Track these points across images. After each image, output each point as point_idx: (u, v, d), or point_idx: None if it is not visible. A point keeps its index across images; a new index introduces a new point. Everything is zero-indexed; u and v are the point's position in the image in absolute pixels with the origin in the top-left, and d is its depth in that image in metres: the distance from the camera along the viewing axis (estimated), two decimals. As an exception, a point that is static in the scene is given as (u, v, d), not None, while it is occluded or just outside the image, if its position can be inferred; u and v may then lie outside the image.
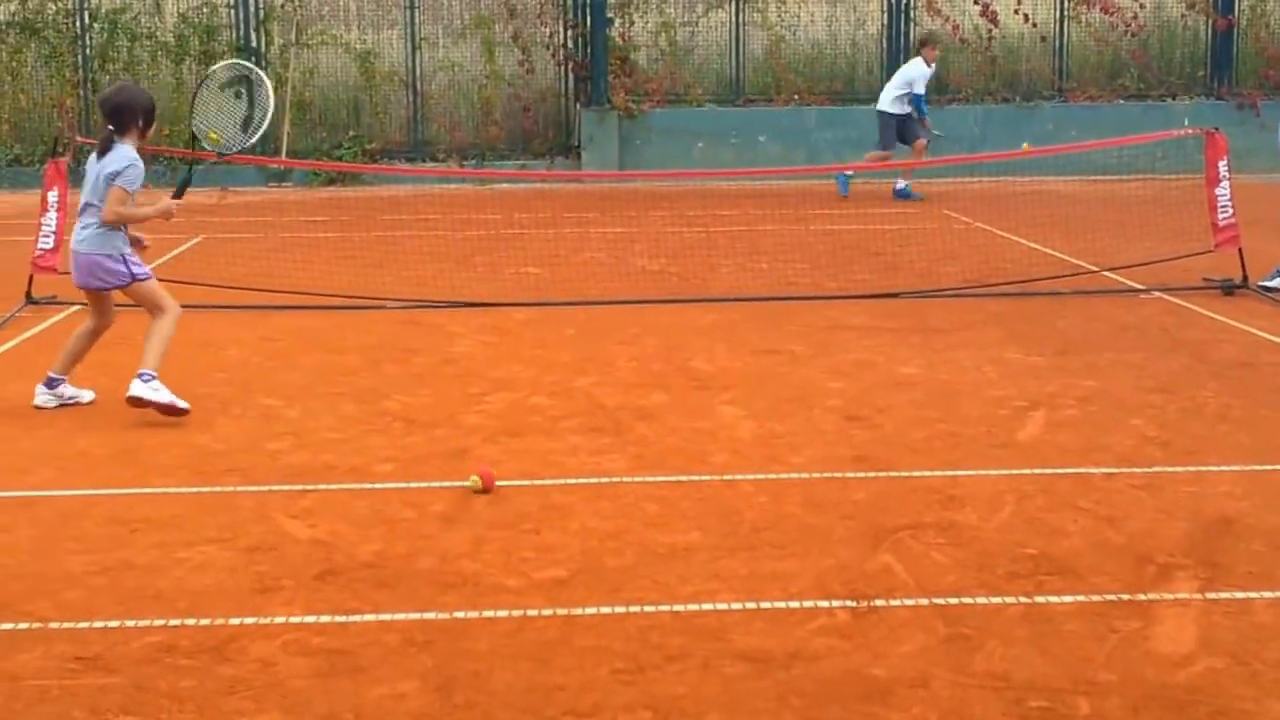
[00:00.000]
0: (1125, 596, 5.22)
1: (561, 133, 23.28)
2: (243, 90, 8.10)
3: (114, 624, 5.02)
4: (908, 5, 23.66)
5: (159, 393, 7.69)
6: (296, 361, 9.40)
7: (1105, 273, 12.49)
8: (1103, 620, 5.00)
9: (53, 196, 11.31)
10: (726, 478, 6.73)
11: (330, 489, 6.61)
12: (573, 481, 6.69)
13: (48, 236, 11.27)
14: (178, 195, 8.15)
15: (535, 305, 11.37)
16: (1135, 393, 8.34)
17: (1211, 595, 5.24)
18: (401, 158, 22.65)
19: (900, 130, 19.22)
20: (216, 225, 16.86)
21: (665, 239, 15.54)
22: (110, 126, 7.95)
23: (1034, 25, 23.70)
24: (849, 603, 5.17)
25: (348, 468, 6.94)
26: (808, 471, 6.82)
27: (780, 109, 23.03)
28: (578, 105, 22.98)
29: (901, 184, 19.15)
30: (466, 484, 6.50)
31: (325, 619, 5.06)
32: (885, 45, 23.84)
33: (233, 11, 22.63)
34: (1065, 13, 23.96)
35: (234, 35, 22.57)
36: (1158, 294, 11.57)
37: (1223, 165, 11.81)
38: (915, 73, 19.21)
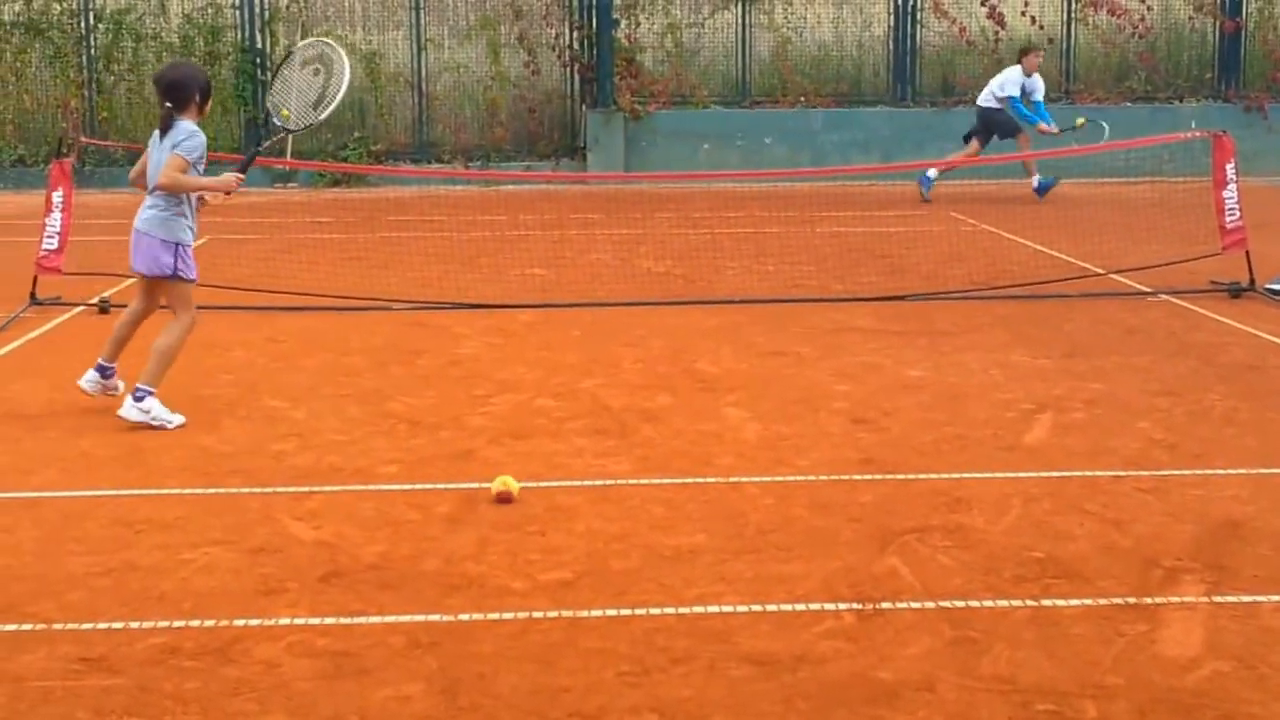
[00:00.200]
0: (1132, 600, 5.20)
1: (567, 134, 23.29)
2: (321, 68, 8.00)
3: (118, 625, 5.01)
4: (914, 7, 23.65)
5: (149, 414, 7.60)
6: (301, 363, 9.39)
7: (1112, 275, 12.47)
8: (1109, 624, 4.98)
9: (57, 197, 11.30)
10: (732, 480, 6.71)
11: (335, 491, 6.59)
12: (578, 484, 6.67)
13: (52, 237, 11.27)
14: (242, 170, 8.01)
15: (541, 307, 11.36)
16: (1142, 396, 8.32)
17: (1218, 599, 5.21)
18: (407, 159, 22.66)
19: (989, 124, 18.97)
20: (222, 226, 16.80)
21: (671, 241, 15.54)
22: (168, 104, 7.77)
23: (1041, 27, 23.66)
24: (855, 605, 5.15)
25: (353, 469, 6.93)
26: (814, 474, 6.80)
27: (786, 111, 23.03)
28: (583, 107, 22.98)
29: (1036, 180, 18.76)
30: (492, 485, 6.43)
31: (330, 621, 5.05)
32: (892, 47, 23.85)
33: (238, 12, 22.65)
34: (1072, 15, 23.94)
35: (239, 36, 22.60)
36: (1164, 297, 11.55)
37: (1230, 168, 11.80)
38: (1007, 76, 19.04)
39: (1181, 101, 23.44)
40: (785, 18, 23.91)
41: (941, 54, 23.88)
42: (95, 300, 11.26)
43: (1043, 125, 18.78)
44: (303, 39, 22.48)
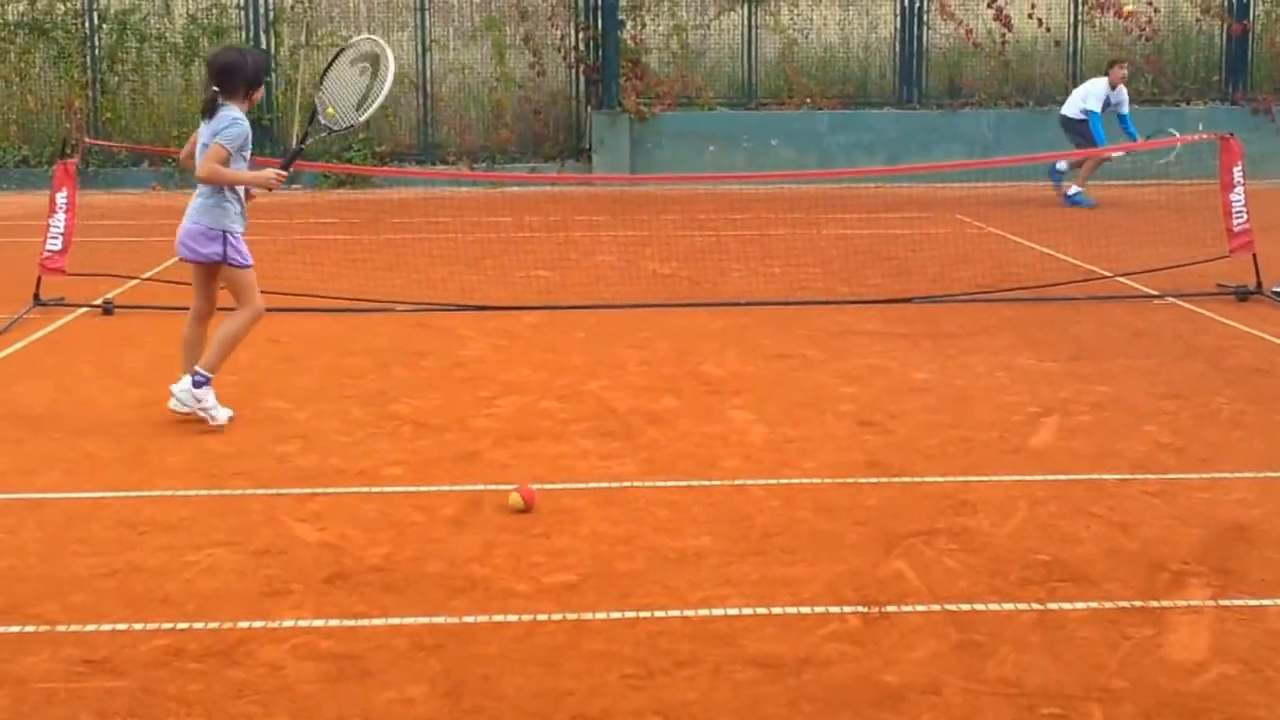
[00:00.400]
0: (1138, 603, 5.19)
1: (572, 136, 23.28)
2: (368, 67, 7.88)
3: (122, 627, 5.00)
4: (920, 9, 23.63)
5: (201, 402, 7.55)
6: (305, 364, 9.38)
7: (1118, 278, 12.45)
8: (1115, 627, 4.97)
9: (61, 198, 11.29)
10: (737, 483, 6.70)
11: (339, 492, 6.58)
12: (583, 486, 6.67)
13: (56, 238, 11.25)
14: (285, 167, 7.81)
15: (545, 309, 11.35)
16: (1149, 399, 8.30)
17: (1225, 602, 5.20)
18: (411, 160, 22.64)
19: (1069, 132, 18.79)
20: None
21: (676, 242, 15.52)
22: (215, 87, 7.61)
23: (1048, 29, 23.67)
24: (860, 608, 5.14)
25: (357, 471, 6.92)
26: (819, 477, 6.79)
27: (792, 112, 23.01)
28: (589, 108, 22.97)
29: (1073, 189, 18.68)
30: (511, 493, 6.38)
31: (334, 623, 5.04)
32: (898, 49, 23.83)
33: (242, 13, 22.64)
34: (1079, 17, 23.91)
35: (243, 37, 22.57)
36: (1171, 300, 11.53)
37: (1237, 170, 11.78)
38: (1091, 88, 18.85)
39: (1189, 104, 23.41)
40: (791, 19, 23.90)
41: (948, 56, 23.86)
42: (99, 301, 11.26)
43: (1125, 145, 18.27)
44: (307, 40, 22.51)
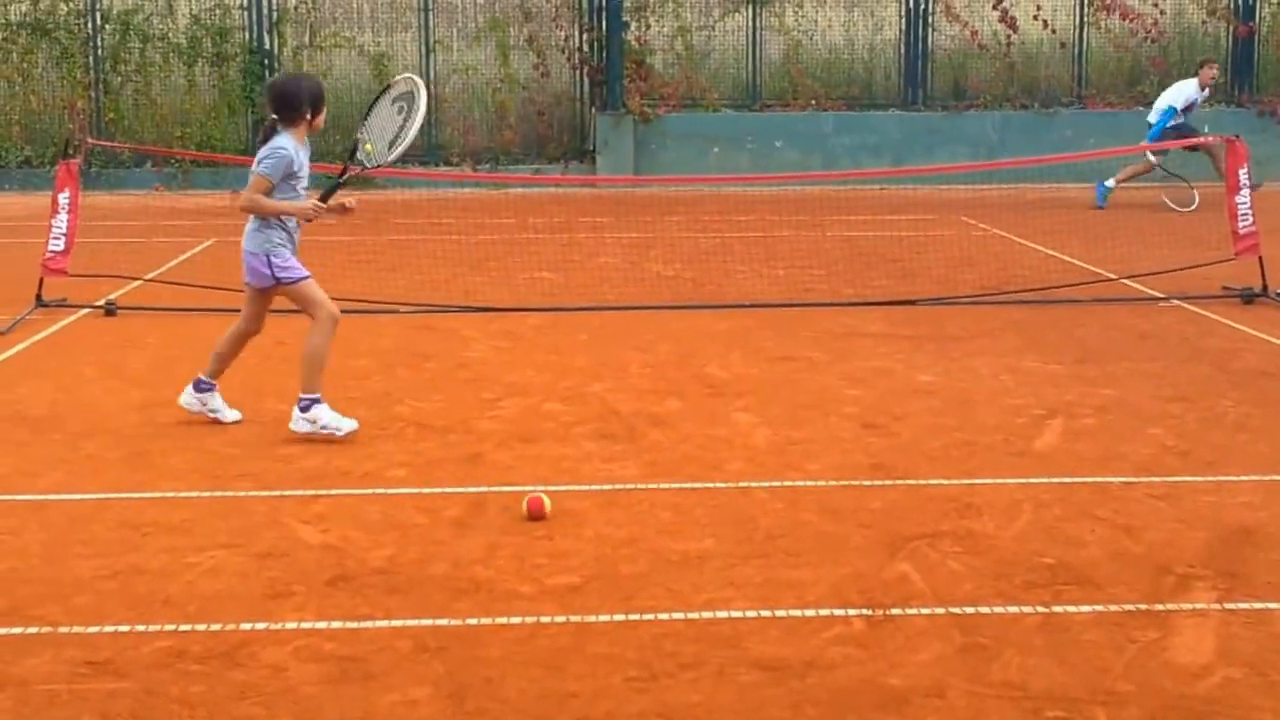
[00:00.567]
0: (1143, 606, 5.19)
1: (576, 137, 23.24)
2: (405, 106, 7.86)
3: (124, 629, 5.01)
4: (925, 10, 23.58)
5: (316, 423, 7.46)
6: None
7: (1124, 281, 12.44)
8: (1121, 630, 4.97)
9: (63, 198, 11.29)
10: (741, 485, 6.70)
11: (342, 494, 6.58)
12: (586, 488, 6.66)
13: (58, 238, 11.26)
14: (323, 199, 7.69)
15: (549, 310, 11.34)
16: (1154, 402, 8.29)
17: (1230, 606, 5.20)
18: (415, 161, 22.59)
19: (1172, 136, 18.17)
20: (228, 228, 16.74)
21: (680, 244, 15.51)
22: (274, 116, 7.57)
23: (1053, 31, 23.60)
24: (865, 611, 5.15)
25: (360, 473, 6.92)
26: (823, 479, 6.79)
27: (797, 114, 22.97)
28: (593, 109, 22.94)
29: (1110, 181, 18.47)
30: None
31: (337, 625, 5.04)
32: (903, 50, 23.77)
33: (246, 13, 22.60)
34: (1085, 19, 23.86)
35: (247, 37, 22.55)
36: (1177, 302, 11.51)
37: (1243, 173, 11.76)
38: (1182, 89, 18.50)
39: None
40: (796, 21, 23.85)
41: (953, 57, 23.80)
42: (101, 302, 11.26)
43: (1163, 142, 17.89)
44: (311, 41, 22.49)
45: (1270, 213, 13.79)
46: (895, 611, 5.14)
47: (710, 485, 6.69)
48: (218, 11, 22.53)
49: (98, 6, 22.41)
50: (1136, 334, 10.34)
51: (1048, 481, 6.73)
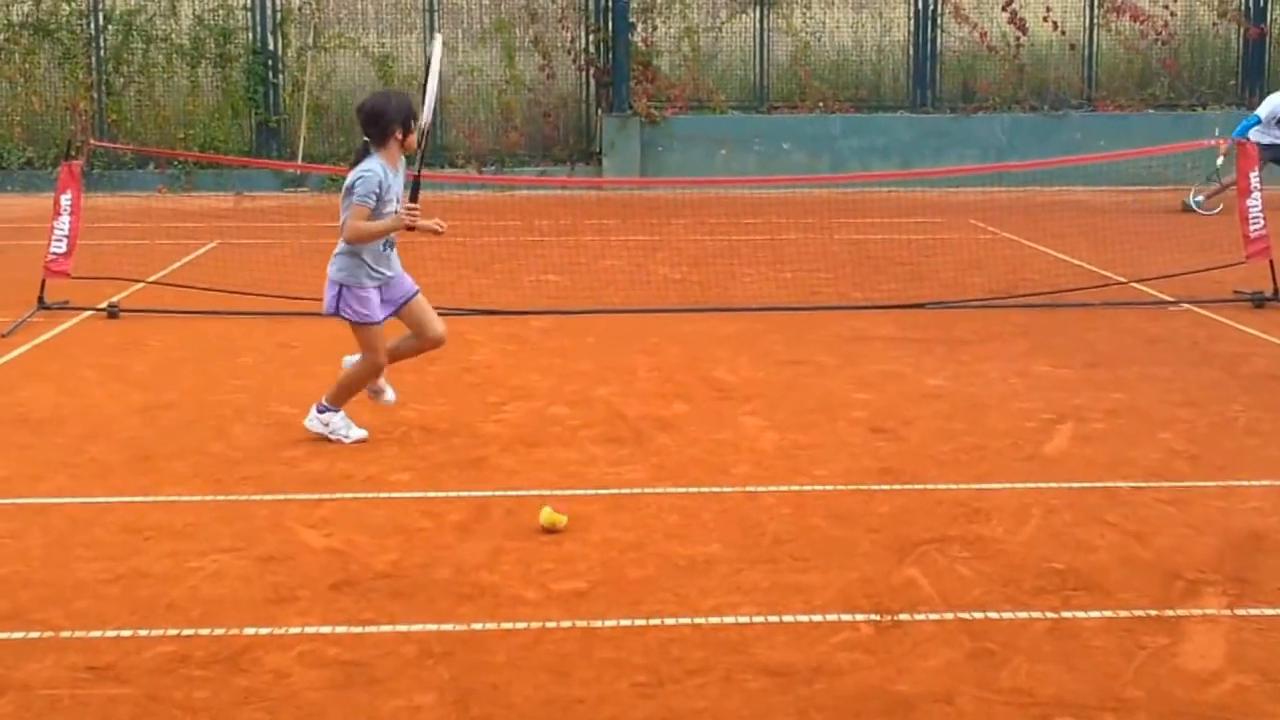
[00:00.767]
0: (1153, 612, 5.18)
1: (582, 139, 23.22)
2: (428, 70, 7.63)
3: (126, 633, 5.00)
4: (934, 12, 23.55)
5: (327, 426, 7.45)
6: (313, 369, 9.30)
7: (1134, 284, 12.40)
8: (1130, 636, 4.96)
9: (65, 200, 11.28)
10: (749, 489, 6.68)
11: (347, 498, 6.57)
12: (592, 492, 6.64)
13: (60, 240, 11.25)
14: (412, 199, 7.43)
15: (555, 313, 11.32)
16: (1164, 406, 8.26)
17: (1241, 611, 5.19)
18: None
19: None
20: (232, 230, 16.85)
21: (687, 247, 15.49)
22: (365, 137, 7.32)
23: (1063, 33, 23.55)
24: (873, 617, 5.13)
25: (364, 476, 6.90)
26: (831, 484, 6.77)
27: (805, 116, 22.93)
28: (599, 111, 22.91)
29: (1199, 197, 18.13)
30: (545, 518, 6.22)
31: (341, 630, 5.03)
32: (912, 52, 23.74)
33: (249, 14, 22.60)
34: (1095, 20, 23.81)
35: (250, 38, 22.54)
36: (1187, 306, 11.48)
37: (1254, 176, 11.74)
38: (1269, 103, 17.76)
39: (1205, 109, 23.27)
40: (804, 22, 23.82)
41: (962, 59, 23.76)
42: (104, 305, 11.26)
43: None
44: (315, 42, 22.45)
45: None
46: (903, 617, 5.13)
47: (717, 489, 6.67)
48: (221, 12, 22.52)
49: (100, 7, 22.41)
50: (1146, 338, 10.31)
51: (1057, 486, 6.71)
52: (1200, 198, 17.99)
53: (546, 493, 6.52)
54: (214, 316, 10.98)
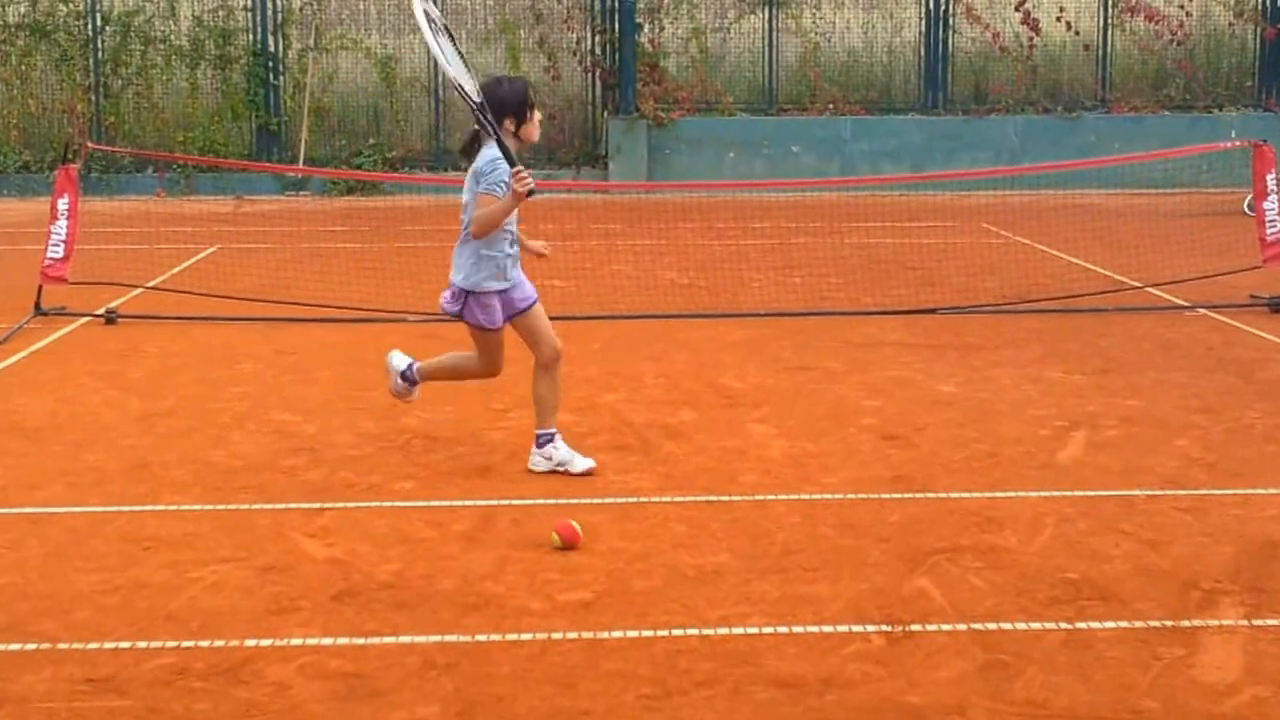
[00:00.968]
0: (1169, 623, 5.14)
1: (588, 142, 23.19)
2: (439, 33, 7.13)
3: (125, 645, 4.97)
4: (946, 12, 23.53)
5: (550, 460, 6.96)
6: (314, 376, 9.32)
7: (1148, 289, 12.36)
8: (1146, 647, 4.93)
9: (63, 204, 11.25)
10: (757, 498, 6.64)
11: (348, 507, 6.53)
12: (598, 501, 6.60)
13: (57, 245, 11.22)
14: (513, 164, 6.83)
15: (560, 319, 11.09)
16: (1179, 413, 8.22)
17: (1258, 622, 5.15)
18: (423, 166, 22.58)
19: None
20: (231, 235, 16.85)
21: (694, 252, 15.46)
22: (477, 127, 6.91)
23: (1077, 33, 23.51)
24: (884, 628, 5.10)
25: (366, 485, 6.87)
26: (842, 492, 6.74)
27: (814, 118, 22.88)
28: (605, 113, 22.87)
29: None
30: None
31: (343, 641, 5.00)
32: (923, 53, 23.72)
33: (250, 15, 22.59)
34: (1109, 21, 23.76)
35: (251, 39, 22.54)
36: (1203, 311, 11.44)
37: (1271, 179, 11.71)
38: None
39: (1221, 110, 23.21)
40: (813, 22, 23.80)
41: (974, 60, 23.74)
42: (101, 311, 11.22)
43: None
44: (316, 43, 22.42)
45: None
46: (915, 628, 5.09)
47: (726, 498, 6.63)
48: (221, 13, 22.52)
49: (98, 8, 22.41)
50: (1161, 343, 10.26)
51: (1071, 494, 6.67)
52: None
53: (552, 501, 6.49)
54: (213, 322, 10.96)
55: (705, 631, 5.06)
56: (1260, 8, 23.88)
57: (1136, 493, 6.68)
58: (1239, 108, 23.34)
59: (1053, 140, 22.00)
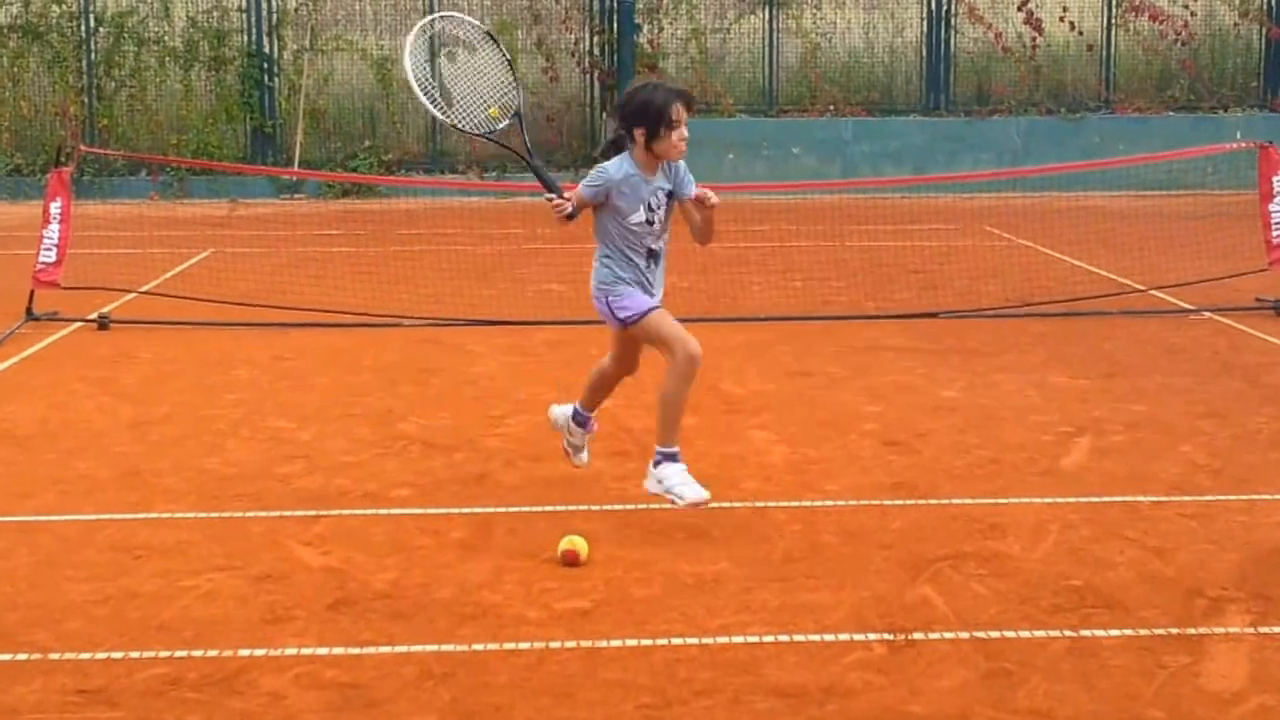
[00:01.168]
0: (1174, 631, 5.12)
1: (586, 143, 23.16)
2: (463, 47, 7.01)
3: (117, 655, 4.95)
4: (948, 12, 23.51)
5: (661, 484, 6.29)
6: (309, 382, 9.30)
7: (1153, 292, 12.37)
8: (1151, 655, 4.90)
9: (55, 208, 11.24)
10: (758, 505, 6.62)
11: (344, 515, 6.50)
12: (597, 508, 6.58)
13: (50, 249, 11.23)
14: (553, 190, 6.83)
15: (559, 324, 11.25)
16: (1185, 418, 8.19)
17: (1264, 630, 5.13)
18: (419, 169, 22.56)
19: None
20: (226, 239, 16.84)
21: (694, 255, 15.29)
22: (620, 132, 6.56)
23: (1080, 33, 23.49)
24: (886, 636, 5.08)
25: (362, 493, 6.84)
26: (843, 499, 6.71)
27: (815, 120, 22.86)
28: (603, 115, 22.85)
29: None
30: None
31: (338, 651, 4.98)
32: (925, 54, 23.71)
33: (244, 16, 22.58)
34: (1113, 21, 23.73)
35: (245, 40, 22.54)
36: (1208, 315, 11.43)
37: (1277, 180, 11.71)
38: None
39: (1226, 111, 23.20)
40: (814, 23, 23.78)
41: (976, 61, 23.72)
42: (94, 316, 11.21)
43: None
44: (312, 44, 22.37)
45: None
46: (917, 636, 5.07)
47: (726, 505, 6.58)
48: (215, 14, 22.51)
49: (91, 9, 22.37)
50: (1166, 347, 10.25)
51: (1075, 501, 6.64)
52: None
53: (550, 509, 6.46)
54: (207, 328, 10.94)
55: (705, 640, 5.04)
56: (1265, 7, 23.88)
57: (1141, 499, 6.66)
58: (1244, 108, 23.32)
59: (1056, 142, 21.98)
